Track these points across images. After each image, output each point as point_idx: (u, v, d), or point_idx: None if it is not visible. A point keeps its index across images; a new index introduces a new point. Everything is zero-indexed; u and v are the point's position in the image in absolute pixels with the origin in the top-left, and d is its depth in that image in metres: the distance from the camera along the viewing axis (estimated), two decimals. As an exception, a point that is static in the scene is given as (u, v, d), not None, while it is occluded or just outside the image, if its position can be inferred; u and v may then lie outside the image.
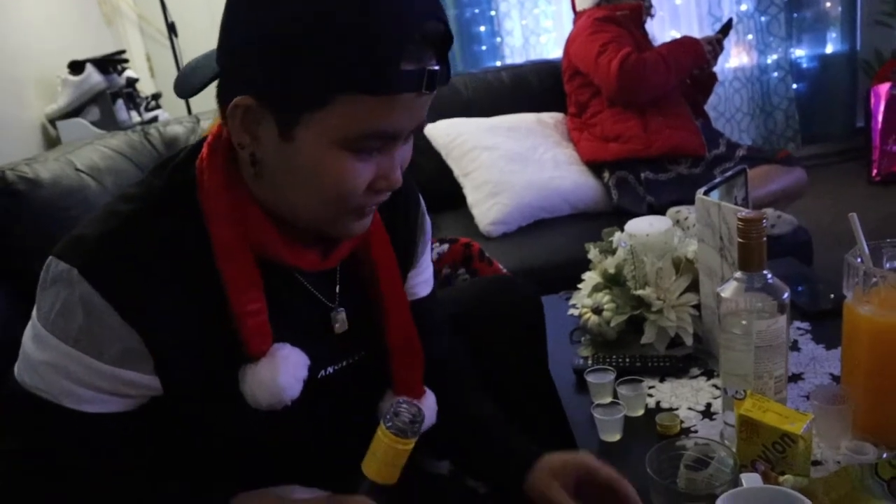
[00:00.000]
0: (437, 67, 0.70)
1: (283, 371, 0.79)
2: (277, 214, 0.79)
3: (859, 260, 0.93)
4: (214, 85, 0.78)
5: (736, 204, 1.25)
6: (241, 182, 0.79)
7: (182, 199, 0.78)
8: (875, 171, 3.75)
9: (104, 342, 0.74)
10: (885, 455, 0.85)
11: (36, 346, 0.76)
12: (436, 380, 0.96)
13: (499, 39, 3.69)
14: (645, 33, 2.43)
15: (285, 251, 0.80)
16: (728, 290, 0.91)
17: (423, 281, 1.02)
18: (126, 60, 2.59)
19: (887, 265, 0.94)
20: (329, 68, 0.67)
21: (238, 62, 0.72)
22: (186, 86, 0.80)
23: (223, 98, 0.74)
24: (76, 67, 2.41)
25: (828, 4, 3.97)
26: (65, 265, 0.73)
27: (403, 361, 0.92)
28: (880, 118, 3.73)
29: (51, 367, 0.75)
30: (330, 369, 0.88)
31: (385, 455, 0.68)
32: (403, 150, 0.78)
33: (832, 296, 1.34)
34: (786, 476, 0.79)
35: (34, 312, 0.77)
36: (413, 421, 0.67)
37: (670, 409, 1.08)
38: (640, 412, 1.08)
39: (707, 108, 2.69)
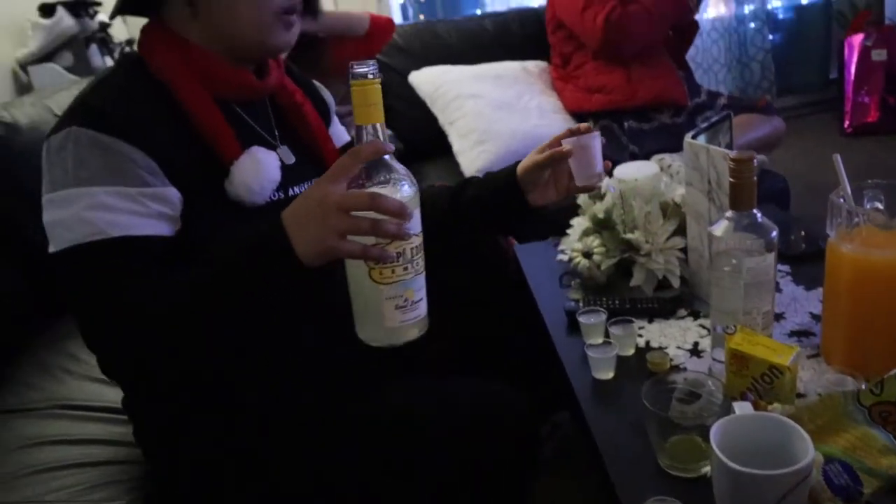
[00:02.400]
0: None
1: (263, 157, 0.98)
2: (216, 50, 0.99)
3: (842, 200, 0.96)
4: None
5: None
6: (180, 38, 0.98)
7: (135, 68, 0.98)
8: (847, 123, 3.81)
9: (123, 169, 0.87)
10: (864, 386, 0.90)
11: (66, 206, 0.86)
12: None
13: (479, -15, 3.65)
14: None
15: (230, 73, 1.00)
16: (719, 229, 0.94)
17: (340, 131, 1.26)
18: (99, 3, 2.52)
19: (868, 205, 0.97)
20: None
21: None
22: (118, 7, 1.01)
23: None
24: (47, 10, 2.34)
25: (804, -45, 3.98)
26: (63, 130, 0.87)
27: None
28: (853, 70, 3.78)
29: (90, 211, 0.85)
30: (296, 188, 1.05)
31: (365, 98, 0.79)
32: None
33: (803, 233, 1.38)
34: (774, 404, 0.83)
35: (47, 193, 0.88)
36: (370, 64, 0.79)
37: (660, 348, 1.12)
38: (631, 351, 1.12)
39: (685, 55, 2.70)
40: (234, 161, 0.96)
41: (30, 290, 1.53)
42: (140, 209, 0.88)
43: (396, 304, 0.81)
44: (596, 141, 1.12)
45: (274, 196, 1.01)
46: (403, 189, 0.80)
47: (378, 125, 0.80)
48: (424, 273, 0.84)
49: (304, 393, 1.04)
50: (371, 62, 0.79)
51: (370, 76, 0.78)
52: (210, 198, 0.95)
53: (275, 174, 1.00)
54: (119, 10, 1.02)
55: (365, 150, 0.79)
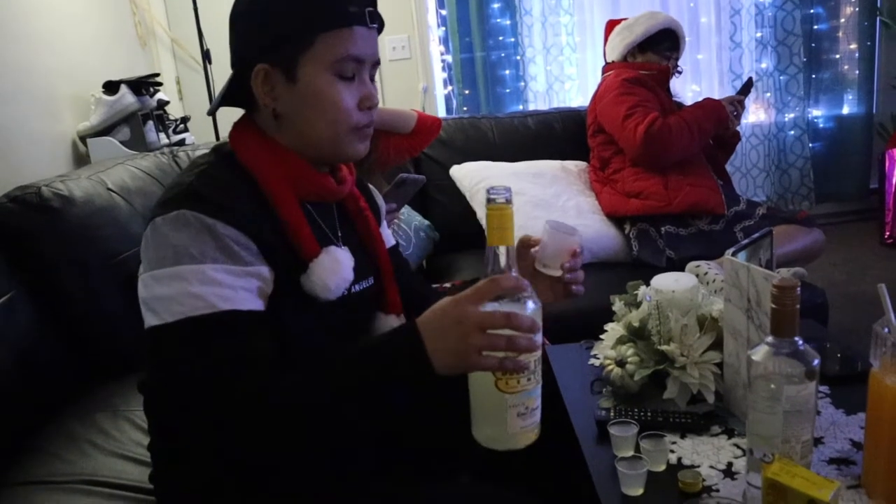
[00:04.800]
0: (371, 8, 1.03)
1: (341, 257, 1.04)
2: (300, 154, 1.05)
3: (887, 330, 0.95)
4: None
5: (760, 265, 1.27)
6: (270, 140, 1.05)
7: (229, 160, 1.04)
8: (888, 234, 3.78)
9: (229, 249, 0.94)
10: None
11: (175, 282, 0.91)
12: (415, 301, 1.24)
13: (523, 84, 3.75)
14: (669, 93, 2.47)
15: (313, 175, 1.06)
16: (759, 354, 0.93)
17: (388, 235, 1.32)
18: (160, 83, 2.64)
19: (914, 336, 0.96)
20: (308, 20, 0.99)
21: (246, 46, 1.04)
22: (217, 103, 1.10)
23: (243, 89, 1.04)
24: (111, 87, 2.45)
25: (846, 67, 4.03)
26: (173, 213, 0.93)
27: (392, 285, 1.21)
28: (894, 181, 3.77)
29: (200, 286, 0.90)
30: (357, 287, 1.11)
31: (501, 222, 0.86)
32: (372, 85, 1.07)
33: (839, 355, 1.36)
34: (813, 543, 0.80)
35: (152, 269, 0.93)
36: (505, 190, 0.86)
37: (692, 466, 1.09)
38: (662, 467, 1.09)
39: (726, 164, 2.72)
40: (314, 259, 1.02)
41: (70, 359, 1.56)
42: (245, 285, 0.95)
43: (518, 411, 0.88)
44: (565, 238, 1.14)
45: (343, 293, 1.06)
46: (528, 305, 0.87)
47: (509, 248, 0.88)
48: (542, 382, 0.91)
49: (326, 486, 1.05)
50: (506, 188, 0.87)
51: (506, 201, 0.86)
52: (287, 287, 1.01)
53: (349, 274, 1.06)
54: (218, 105, 1.10)
55: (505, 283, 0.86)
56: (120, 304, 1.64)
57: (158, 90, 2.67)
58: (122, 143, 2.43)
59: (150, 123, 2.56)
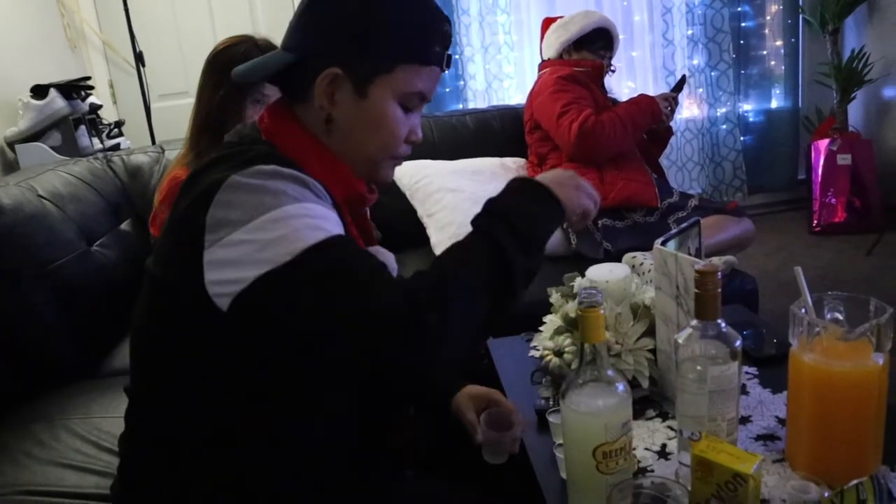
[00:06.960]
0: (450, 53, 1.05)
1: (388, 258, 1.03)
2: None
3: (803, 311, 1.00)
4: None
5: (689, 253, 1.32)
6: (315, 140, 1.02)
7: (270, 151, 0.97)
8: (815, 222, 3.93)
9: (319, 193, 0.94)
10: (826, 494, 0.91)
11: (286, 222, 0.86)
12: None
13: (462, 83, 3.78)
14: (604, 89, 2.53)
15: (356, 184, 1.05)
16: (684, 338, 0.97)
17: None
18: (91, 87, 2.59)
19: (829, 316, 1.01)
20: (397, 46, 0.99)
21: (327, 44, 0.99)
22: (253, 74, 1.04)
23: (298, 78, 1.01)
24: (39, 91, 2.39)
25: (772, 63, 4.18)
26: (251, 168, 0.90)
27: None
28: (820, 172, 3.92)
29: (312, 219, 0.88)
30: None
31: (595, 323, 0.93)
32: (419, 121, 1.09)
33: (775, 340, 1.41)
34: (738, 514, 0.84)
35: (240, 228, 0.86)
36: (598, 293, 0.93)
37: (627, 449, 1.12)
38: (599, 451, 1.12)
39: (660, 157, 2.80)
40: None
41: (1, 370, 1.52)
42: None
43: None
44: (502, 437, 1.18)
45: None
46: (619, 388, 0.95)
47: (600, 344, 0.96)
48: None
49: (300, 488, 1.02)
50: (598, 292, 0.93)
51: (598, 306, 0.93)
52: None
53: (396, 270, 1.06)
54: (263, 80, 1.07)
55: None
56: (53, 313, 1.60)
57: (90, 94, 2.61)
58: (52, 148, 2.38)
59: (83, 128, 2.50)
